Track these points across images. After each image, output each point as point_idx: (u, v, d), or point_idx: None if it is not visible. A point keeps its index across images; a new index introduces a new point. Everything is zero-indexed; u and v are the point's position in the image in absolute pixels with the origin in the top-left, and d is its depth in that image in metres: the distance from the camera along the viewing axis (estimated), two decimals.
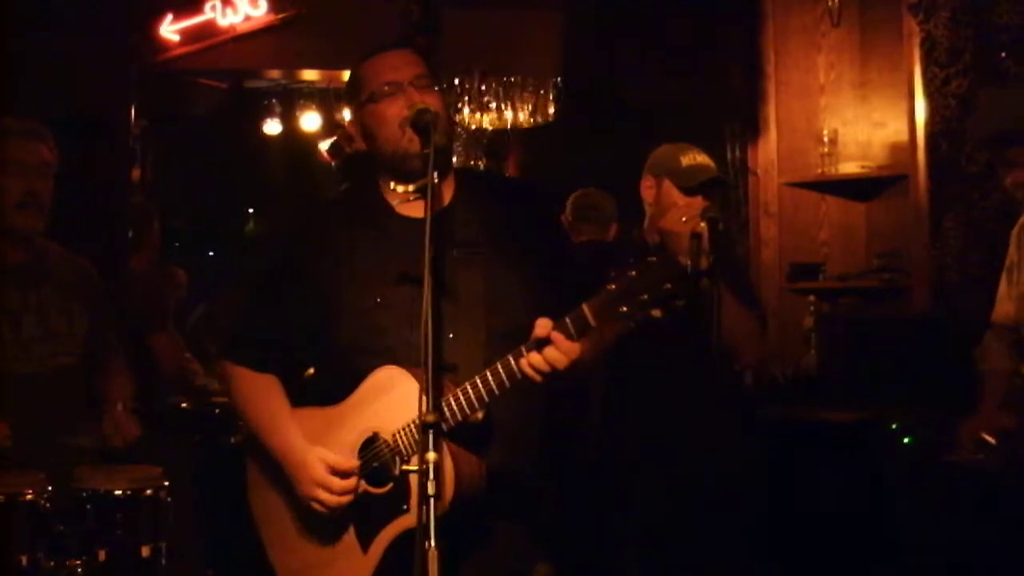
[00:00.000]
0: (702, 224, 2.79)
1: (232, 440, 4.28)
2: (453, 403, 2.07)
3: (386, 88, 2.23)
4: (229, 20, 5.55)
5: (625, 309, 1.90)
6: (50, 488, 2.72)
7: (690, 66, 5.30)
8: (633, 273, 1.90)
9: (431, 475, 1.84)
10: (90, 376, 3.21)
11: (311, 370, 2.45)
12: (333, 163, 5.84)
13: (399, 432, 2.15)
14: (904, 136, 4.77)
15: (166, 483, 2.90)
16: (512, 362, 2.02)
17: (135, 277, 4.87)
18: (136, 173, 5.70)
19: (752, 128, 5.23)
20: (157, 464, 2.97)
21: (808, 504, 4.08)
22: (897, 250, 4.83)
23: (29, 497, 2.69)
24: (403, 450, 2.14)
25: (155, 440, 3.33)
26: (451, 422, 2.07)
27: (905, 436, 4.03)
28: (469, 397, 2.06)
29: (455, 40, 5.44)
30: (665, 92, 5.25)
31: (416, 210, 2.20)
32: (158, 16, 5.50)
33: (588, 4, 5.58)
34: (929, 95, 4.55)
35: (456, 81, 5.74)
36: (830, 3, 5.06)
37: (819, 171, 5.04)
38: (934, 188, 4.55)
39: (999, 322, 3.25)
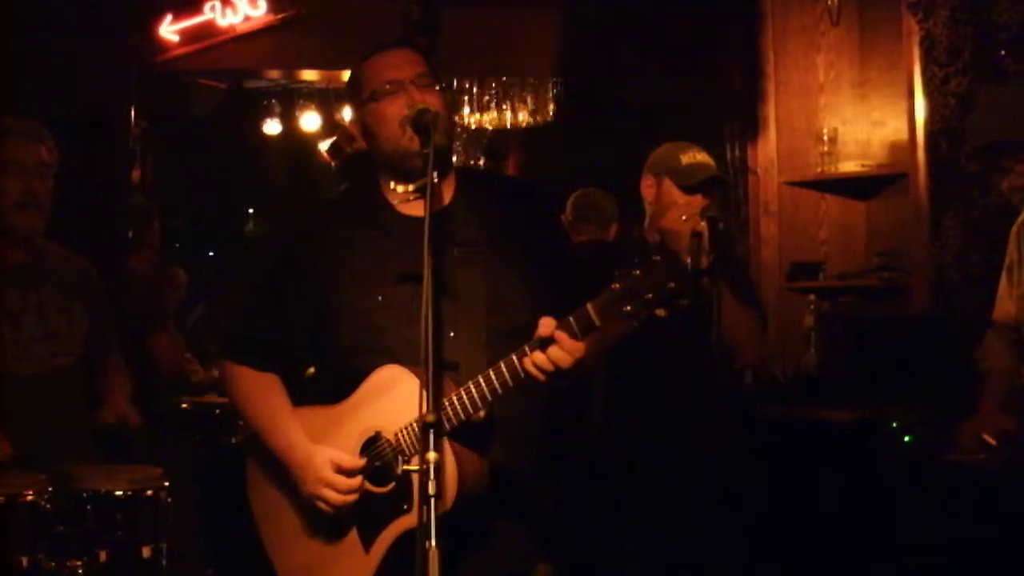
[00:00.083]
0: (702, 223, 2.79)
1: (232, 440, 4.28)
2: (456, 401, 2.07)
3: (387, 87, 2.23)
4: (229, 20, 5.55)
5: (629, 308, 1.91)
6: (50, 489, 2.72)
7: (690, 66, 5.30)
8: (638, 272, 1.91)
9: (431, 475, 1.84)
10: (90, 376, 3.21)
11: (311, 370, 2.45)
12: (333, 163, 5.83)
13: (401, 431, 2.14)
14: (904, 135, 4.76)
15: (166, 483, 2.90)
16: (516, 361, 2.02)
17: (135, 277, 4.88)
18: (136, 173, 5.70)
19: (752, 127, 5.23)
20: (157, 464, 2.97)
21: (808, 503, 4.08)
22: (897, 249, 4.83)
23: (30, 498, 2.68)
24: (405, 449, 2.14)
25: (155, 440, 3.33)
26: (453, 421, 2.07)
27: (905, 435, 4.03)
28: (472, 396, 2.06)
29: (455, 40, 5.44)
30: (665, 92, 5.25)
31: (417, 209, 2.20)
32: (158, 16, 5.50)
33: (588, 4, 5.59)
34: (928, 94, 4.55)
35: (456, 81, 5.75)
36: (829, 2, 5.06)
37: (819, 170, 5.03)
38: (934, 187, 4.55)
39: (1000, 321, 3.25)
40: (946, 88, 4.48)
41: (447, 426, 2.06)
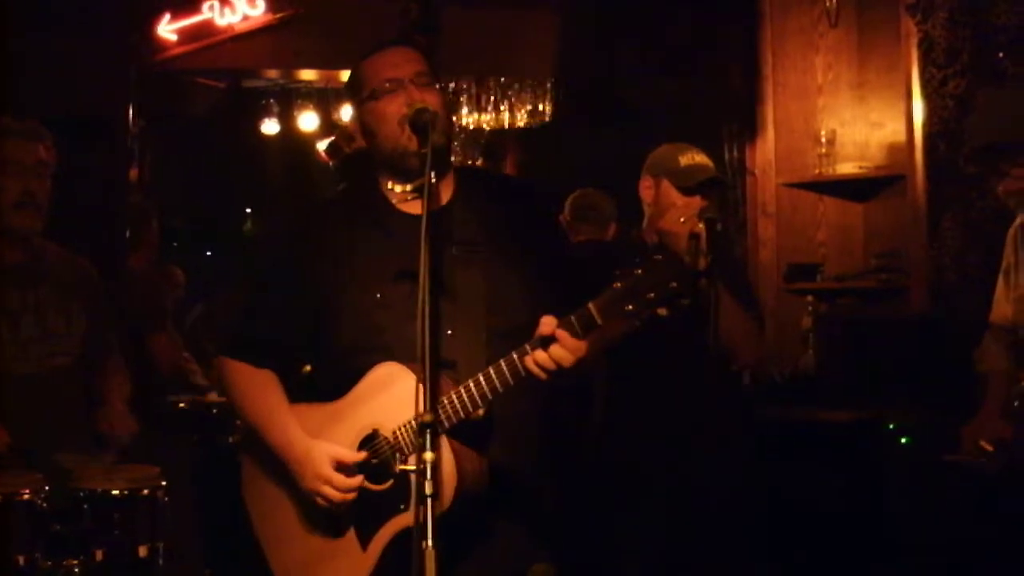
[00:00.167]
0: (700, 224, 2.79)
1: (230, 440, 4.28)
2: (456, 400, 2.07)
3: (387, 85, 2.23)
4: (227, 20, 5.55)
5: (631, 307, 1.91)
6: (47, 488, 2.71)
7: (689, 66, 5.30)
8: (639, 271, 1.91)
9: (428, 475, 1.84)
10: (88, 376, 3.20)
11: (307, 367, 2.45)
12: (331, 163, 5.83)
13: (399, 429, 2.14)
14: (902, 136, 4.77)
15: (164, 483, 2.89)
16: (516, 359, 2.02)
17: (134, 277, 4.87)
18: (134, 172, 5.70)
19: (750, 128, 5.23)
20: (155, 464, 2.97)
21: (807, 504, 4.08)
22: (895, 250, 4.83)
23: (26, 497, 2.67)
24: (403, 446, 2.14)
25: (153, 440, 3.32)
26: (452, 419, 2.07)
27: (903, 436, 4.03)
28: (472, 394, 2.06)
29: (454, 39, 5.44)
30: (664, 92, 5.25)
31: (417, 207, 2.20)
32: (156, 16, 5.50)
33: (588, 4, 5.59)
34: (927, 96, 4.55)
35: (454, 81, 5.74)
36: (828, 4, 5.06)
37: (817, 171, 5.04)
38: (932, 188, 4.55)
39: (997, 323, 3.26)
40: (944, 90, 4.48)
41: (446, 424, 2.06)
